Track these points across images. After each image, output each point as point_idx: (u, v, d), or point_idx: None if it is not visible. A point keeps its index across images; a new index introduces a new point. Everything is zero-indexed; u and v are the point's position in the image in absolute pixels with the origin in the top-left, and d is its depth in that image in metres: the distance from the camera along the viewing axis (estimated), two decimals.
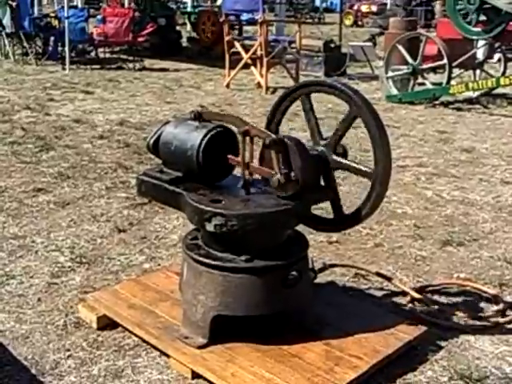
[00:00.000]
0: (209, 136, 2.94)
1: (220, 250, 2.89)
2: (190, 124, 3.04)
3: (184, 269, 3.02)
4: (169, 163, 3.09)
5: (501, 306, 3.46)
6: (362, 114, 2.88)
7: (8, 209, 4.88)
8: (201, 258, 2.88)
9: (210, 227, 2.74)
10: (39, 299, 3.53)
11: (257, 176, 2.97)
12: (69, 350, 3.04)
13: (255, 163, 2.91)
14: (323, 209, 3.59)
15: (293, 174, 2.76)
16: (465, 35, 9.61)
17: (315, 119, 3.11)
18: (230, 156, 2.97)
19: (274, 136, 2.80)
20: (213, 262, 2.85)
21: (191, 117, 3.07)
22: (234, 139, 3.02)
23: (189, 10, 19.48)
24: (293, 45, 12.20)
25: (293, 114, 7.64)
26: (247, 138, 2.87)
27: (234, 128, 3.04)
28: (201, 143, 2.91)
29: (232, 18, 14.56)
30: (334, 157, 2.99)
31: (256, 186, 2.96)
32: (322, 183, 3.05)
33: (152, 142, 3.15)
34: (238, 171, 3.02)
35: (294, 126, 7.39)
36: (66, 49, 12.54)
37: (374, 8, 27.58)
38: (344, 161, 3.00)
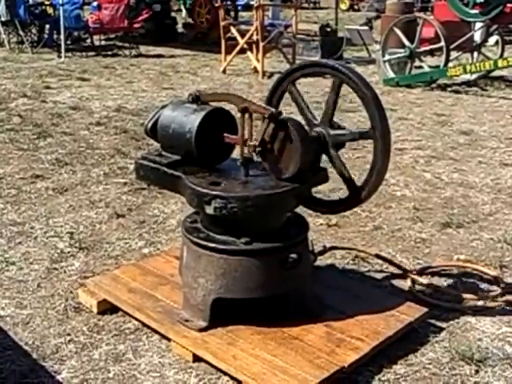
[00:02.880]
0: (207, 118, 2.92)
1: (220, 232, 2.88)
2: (188, 107, 3.02)
3: (184, 252, 3.01)
4: (167, 147, 3.08)
5: (501, 287, 3.46)
6: (347, 81, 2.87)
7: (6, 196, 4.87)
8: (200, 241, 2.87)
9: (209, 210, 2.73)
10: (39, 285, 3.52)
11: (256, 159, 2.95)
12: (69, 335, 3.04)
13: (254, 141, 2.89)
14: (321, 192, 3.58)
15: (269, 146, 2.77)
16: (462, 17, 9.56)
17: (305, 103, 3.09)
18: (226, 134, 2.95)
19: (273, 110, 2.78)
20: (212, 245, 2.84)
21: (189, 99, 3.05)
22: (233, 121, 3.00)
23: None
24: (289, 29, 12.13)
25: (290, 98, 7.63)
26: (246, 115, 2.85)
27: (232, 111, 3.03)
28: (199, 126, 2.90)
29: (227, 2, 14.49)
30: (332, 131, 2.97)
31: (255, 168, 2.94)
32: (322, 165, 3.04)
33: (150, 125, 3.13)
34: (236, 153, 3.00)
35: (292, 111, 7.36)
36: (62, 36, 12.46)
37: None
38: (342, 131, 2.98)
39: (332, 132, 2.97)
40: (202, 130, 2.90)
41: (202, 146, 2.91)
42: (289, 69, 3.24)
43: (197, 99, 3.04)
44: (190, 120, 2.93)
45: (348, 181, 3.00)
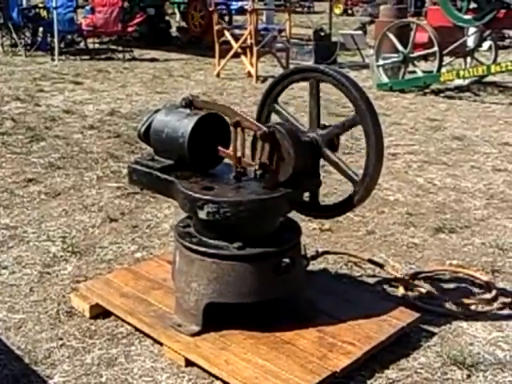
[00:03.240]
0: (200, 123, 2.92)
1: (212, 237, 2.88)
2: (181, 111, 3.02)
3: (176, 257, 3.01)
4: (160, 151, 3.08)
5: (493, 292, 3.47)
6: (364, 123, 2.86)
7: None
8: (193, 246, 2.87)
9: (202, 214, 2.73)
10: (31, 289, 3.51)
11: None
12: (62, 339, 3.03)
13: (247, 154, 2.89)
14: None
15: (273, 166, 2.76)
16: (455, 23, 9.59)
17: (318, 106, 3.08)
18: (220, 148, 2.95)
19: (264, 128, 2.78)
20: (205, 250, 2.84)
21: (182, 104, 3.06)
22: (226, 126, 3.00)
23: None
24: (283, 34, 12.15)
25: (284, 102, 7.64)
26: (238, 129, 2.86)
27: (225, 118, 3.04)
28: (192, 130, 2.90)
29: (221, 6, 14.51)
30: (326, 150, 2.96)
31: (248, 174, 2.95)
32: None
33: (143, 129, 3.13)
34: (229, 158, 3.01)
35: (289, 110, 7.35)
36: (55, 39, 12.45)
37: None
38: (333, 157, 2.97)
39: (321, 132, 2.97)
40: (195, 134, 2.90)
41: (194, 150, 2.92)
42: (282, 73, 3.24)
43: (190, 104, 3.04)
44: (183, 125, 2.94)
45: (351, 178, 2.99)
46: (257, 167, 2.80)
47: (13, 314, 3.26)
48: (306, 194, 3.10)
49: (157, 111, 3.16)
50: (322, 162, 3.02)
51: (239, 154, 2.90)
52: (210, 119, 2.97)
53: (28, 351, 2.94)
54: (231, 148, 2.90)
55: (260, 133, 2.75)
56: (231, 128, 2.88)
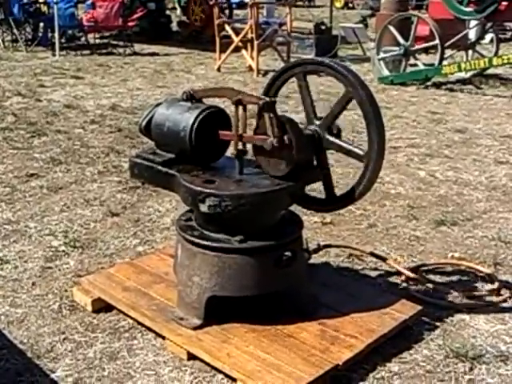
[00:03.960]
0: (201, 117, 2.91)
1: (214, 230, 2.88)
2: (183, 105, 3.01)
3: (178, 250, 3.01)
4: (161, 145, 3.07)
5: (495, 284, 3.46)
6: (356, 96, 2.86)
7: (1, 194, 4.85)
8: (195, 239, 2.87)
9: (203, 208, 2.73)
10: (34, 283, 3.52)
11: (250, 157, 2.95)
12: (64, 333, 3.04)
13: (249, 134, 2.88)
14: (315, 190, 3.58)
15: (286, 137, 2.74)
16: (457, 15, 9.57)
17: (310, 98, 3.08)
18: (221, 131, 2.94)
19: (267, 99, 2.78)
20: (207, 243, 2.84)
21: (183, 98, 3.05)
22: (227, 120, 3.00)
23: None
24: (283, 27, 12.14)
25: (284, 96, 7.64)
26: (240, 108, 2.85)
27: (227, 110, 3.03)
28: (193, 124, 2.89)
29: (222, 0, 14.48)
30: (328, 136, 2.97)
31: (249, 167, 2.94)
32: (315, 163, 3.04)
33: (144, 123, 3.13)
34: (231, 151, 2.99)
35: (286, 109, 7.37)
36: (56, 35, 12.43)
37: None
38: (337, 141, 2.98)
39: (327, 137, 2.96)
40: (196, 128, 2.89)
41: (196, 144, 2.91)
42: (284, 66, 3.23)
43: (191, 97, 3.03)
44: (185, 118, 2.93)
45: (357, 154, 2.97)
46: (272, 139, 2.75)
47: (15, 309, 3.26)
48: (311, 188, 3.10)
49: (158, 105, 3.15)
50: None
51: (241, 131, 2.87)
52: (212, 112, 2.96)
53: (30, 345, 2.94)
54: (233, 127, 2.88)
55: (262, 102, 2.74)
56: (233, 108, 2.85)
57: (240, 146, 2.89)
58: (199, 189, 2.75)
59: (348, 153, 2.99)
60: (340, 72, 2.89)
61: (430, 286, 3.47)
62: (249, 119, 2.90)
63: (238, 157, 2.89)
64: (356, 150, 2.96)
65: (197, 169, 2.94)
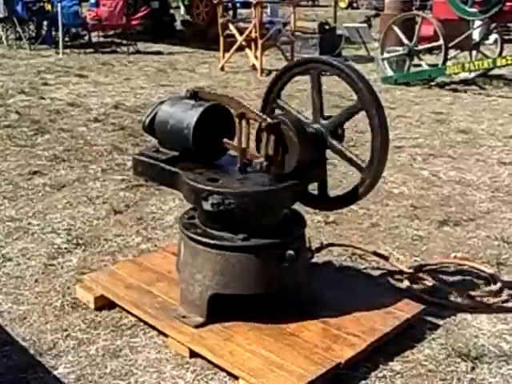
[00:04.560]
0: (205, 114, 2.91)
1: (217, 228, 2.88)
2: (186, 103, 3.01)
3: (181, 248, 3.01)
4: (165, 142, 3.07)
5: (498, 284, 3.46)
6: (367, 108, 2.85)
7: (4, 192, 4.86)
8: (198, 237, 2.87)
9: (206, 206, 2.73)
10: (36, 280, 3.52)
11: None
12: (66, 331, 3.04)
13: (252, 146, 2.88)
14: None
15: (279, 157, 2.75)
16: (461, 16, 9.56)
17: (320, 97, 3.06)
18: (225, 140, 2.95)
19: (269, 120, 2.77)
20: (210, 241, 2.84)
21: (187, 95, 3.05)
22: (231, 117, 3.00)
23: None
24: (287, 27, 12.14)
25: (288, 95, 7.63)
26: (243, 121, 2.85)
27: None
28: (197, 122, 2.89)
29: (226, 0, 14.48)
30: (331, 140, 2.96)
31: (254, 166, 2.94)
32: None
33: (148, 121, 3.13)
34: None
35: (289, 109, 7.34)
36: (60, 33, 12.45)
37: None
38: (340, 146, 2.96)
39: (330, 140, 2.96)
40: (199, 125, 2.89)
41: (199, 141, 2.91)
42: (287, 65, 3.23)
43: (195, 95, 3.03)
44: (188, 116, 2.93)
45: (358, 165, 2.97)
46: (263, 159, 2.78)
47: (18, 306, 3.26)
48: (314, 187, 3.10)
49: (161, 103, 3.15)
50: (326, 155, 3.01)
51: (244, 145, 2.89)
52: (215, 110, 2.97)
53: (33, 342, 2.95)
54: (236, 140, 2.89)
55: (265, 124, 2.74)
56: (236, 120, 2.87)
57: (244, 160, 2.89)
58: (202, 187, 2.75)
59: (349, 161, 2.98)
60: (354, 80, 2.86)
61: (433, 285, 3.47)
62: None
63: (243, 171, 2.89)
64: (357, 160, 2.95)
65: (200, 167, 2.94)
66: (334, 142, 2.96)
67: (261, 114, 2.86)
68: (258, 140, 2.83)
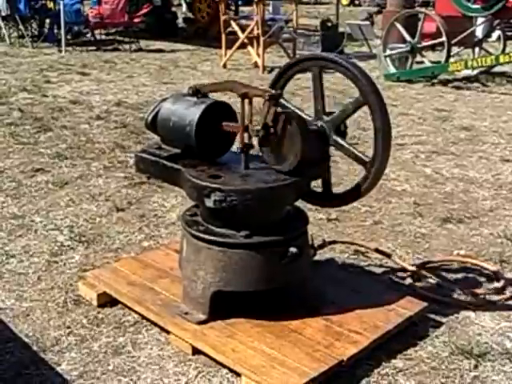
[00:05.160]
0: (207, 111, 2.91)
1: (219, 225, 2.87)
2: (188, 100, 3.01)
3: (183, 245, 3.01)
4: (167, 140, 3.07)
5: (501, 282, 3.46)
6: (370, 101, 2.85)
7: (7, 189, 4.87)
8: (200, 234, 2.87)
9: (209, 203, 2.73)
10: (39, 277, 3.52)
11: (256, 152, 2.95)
12: (69, 327, 3.04)
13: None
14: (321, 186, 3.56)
15: (272, 130, 2.75)
16: (464, 12, 9.54)
17: (322, 93, 3.06)
18: (225, 123, 2.93)
19: (273, 91, 2.77)
20: (212, 238, 2.84)
21: (189, 92, 3.05)
22: (233, 114, 2.99)
23: None
24: (289, 24, 12.12)
25: (290, 92, 7.63)
26: (246, 101, 2.84)
27: (233, 105, 3.02)
28: (199, 119, 2.89)
29: None
30: (334, 136, 2.96)
31: (255, 162, 2.94)
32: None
33: (150, 118, 3.12)
34: (236, 146, 2.99)
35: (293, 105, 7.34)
36: (62, 31, 12.45)
37: None
38: (343, 142, 2.97)
39: (334, 137, 2.96)
40: (202, 122, 2.89)
41: (202, 138, 2.91)
42: (289, 62, 3.23)
43: (197, 92, 3.03)
44: (190, 113, 2.93)
45: (361, 160, 2.98)
46: (259, 127, 2.77)
47: (21, 303, 3.27)
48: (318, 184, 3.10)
49: (164, 100, 3.15)
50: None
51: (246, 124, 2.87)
52: (217, 107, 2.96)
53: (36, 339, 2.95)
54: (239, 121, 2.87)
55: (268, 94, 2.74)
56: (239, 103, 2.85)
57: (246, 140, 2.88)
58: (205, 184, 2.75)
59: (352, 156, 2.98)
60: (355, 75, 2.87)
61: (436, 282, 3.47)
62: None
63: (245, 151, 2.88)
64: (360, 155, 2.95)
65: (202, 164, 2.93)
66: (338, 139, 2.96)
67: (263, 88, 2.86)
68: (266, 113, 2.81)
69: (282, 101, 3.20)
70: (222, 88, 3.05)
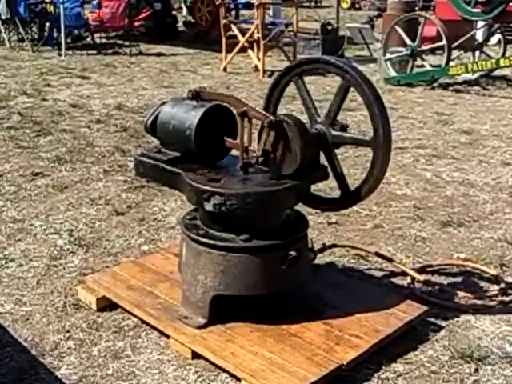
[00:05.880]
0: (207, 115, 2.91)
1: (219, 229, 2.87)
2: (188, 103, 3.01)
3: (183, 249, 3.01)
4: (167, 143, 3.07)
5: (501, 285, 3.45)
6: (355, 84, 2.85)
7: (6, 193, 4.86)
8: (200, 238, 2.87)
9: (208, 206, 2.72)
10: (38, 281, 3.52)
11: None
12: (68, 332, 3.04)
13: (253, 146, 2.88)
14: (321, 190, 3.57)
15: (276, 155, 2.76)
16: (464, 16, 9.54)
17: (310, 99, 3.08)
18: (226, 139, 2.94)
19: (271, 117, 2.77)
20: (212, 242, 2.83)
21: (189, 96, 3.04)
22: (232, 118, 2.99)
23: None
24: (290, 28, 12.11)
25: (290, 96, 7.62)
26: (245, 120, 2.84)
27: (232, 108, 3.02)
28: (199, 122, 2.89)
29: (228, 0, 14.47)
30: (333, 132, 2.97)
31: (255, 166, 2.93)
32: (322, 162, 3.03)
33: (150, 122, 3.13)
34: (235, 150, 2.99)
35: (292, 109, 7.34)
36: (62, 34, 12.44)
37: None
38: (343, 134, 2.98)
39: (333, 132, 2.96)
40: (201, 126, 2.89)
41: (201, 142, 2.91)
42: (291, 64, 3.22)
43: (197, 96, 3.03)
44: (190, 116, 2.93)
45: (341, 179, 3.00)
46: (259, 153, 2.78)
47: (20, 307, 3.26)
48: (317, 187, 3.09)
49: (163, 103, 3.15)
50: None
51: (246, 143, 2.88)
52: (217, 111, 2.96)
53: (35, 343, 2.94)
54: (238, 138, 2.88)
55: (267, 121, 2.74)
56: (238, 118, 2.86)
57: (246, 158, 2.88)
58: (204, 187, 2.75)
59: (355, 142, 3.02)
60: (333, 64, 2.92)
61: (436, 286, 3.46)
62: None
63: (244, 169, 2.88)
64: (362, 137, 2.99)
65: (202, 167, 2.93)
66: (337, 133, 2.97)
67: (262, 111, 2.86)
68: (260, 138, 2.82)
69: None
70: (221, 100, 3.03)
